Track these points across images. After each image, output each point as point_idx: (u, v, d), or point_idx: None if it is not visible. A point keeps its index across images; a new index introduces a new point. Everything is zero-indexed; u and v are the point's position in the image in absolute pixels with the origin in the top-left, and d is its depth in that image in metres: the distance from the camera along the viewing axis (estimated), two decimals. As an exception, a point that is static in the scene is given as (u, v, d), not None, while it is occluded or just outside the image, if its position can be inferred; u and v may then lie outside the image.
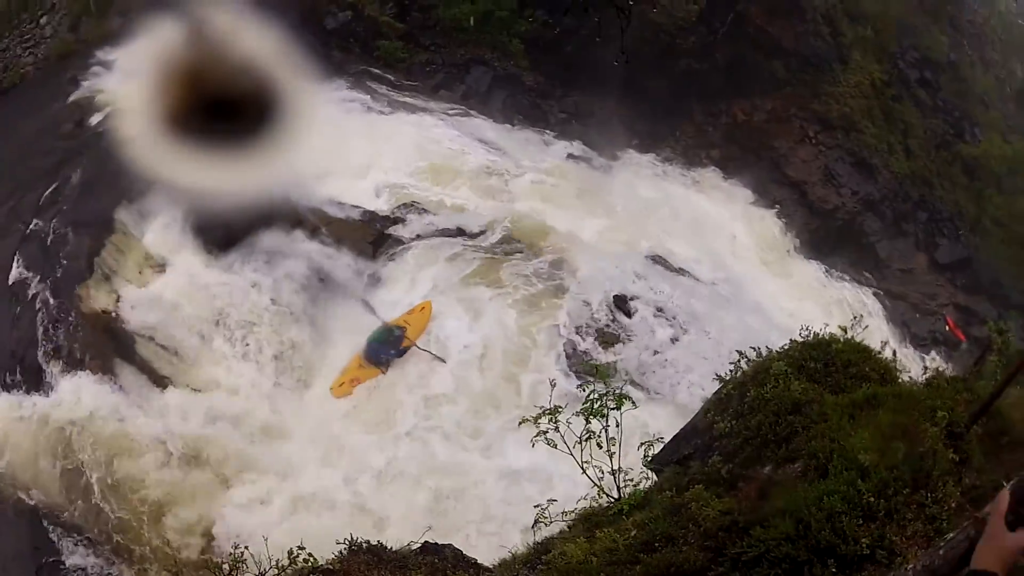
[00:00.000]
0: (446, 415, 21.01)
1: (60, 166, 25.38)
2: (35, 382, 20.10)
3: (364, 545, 8.61)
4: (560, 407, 9.90)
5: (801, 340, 10.24)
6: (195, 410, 20.21)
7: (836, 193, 34.85)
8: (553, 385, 13.49)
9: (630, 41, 30.53)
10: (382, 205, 25.82)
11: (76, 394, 19.56)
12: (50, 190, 24.39)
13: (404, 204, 25.98)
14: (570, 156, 31.45)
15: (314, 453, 20.36)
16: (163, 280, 22.55)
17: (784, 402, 8.91)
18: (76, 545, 17.95)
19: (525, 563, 9.22)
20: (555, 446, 9.64)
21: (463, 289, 23.91)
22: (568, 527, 9.64)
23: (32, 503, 18.39)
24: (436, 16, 33.17)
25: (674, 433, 11.03)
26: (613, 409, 9.74)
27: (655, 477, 10.13)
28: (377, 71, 31.86)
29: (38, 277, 21.99)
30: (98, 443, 18.88)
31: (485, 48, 33.18)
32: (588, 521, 9.40)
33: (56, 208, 23.77)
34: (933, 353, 31.47)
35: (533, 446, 9.83)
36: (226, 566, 8.96)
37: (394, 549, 8.84)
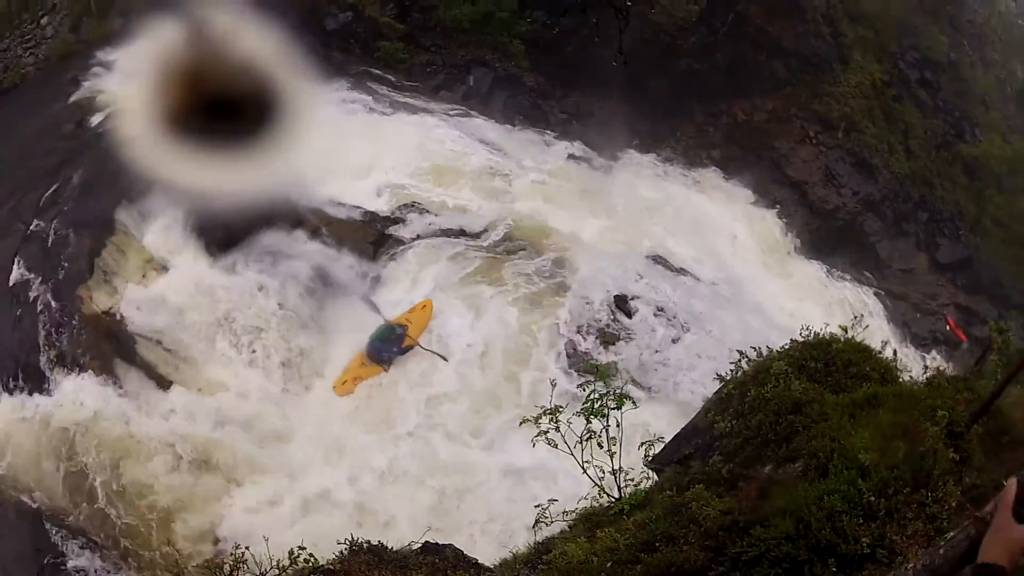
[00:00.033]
0: (448, 414, 21.03)
1: (61, 166, 25.37)
2: (37, 383, 20.08)
3: (365, 545, 8.62)
4: (561, 407, 9.91)
5: (801, 340, 10.25)
6: (198, 412, 20.18)
7: (837, 193, 34.84)
8: (554, 385, 13.50)
9: (630, 42, 30.59)
10: (383, 205, 25.82)
11: (78, 395, 19.56)
12: (51, 191, 24.36)
13: (405, 204, 25.99)
14: (571, 156, 31.46)
15: (318, 454, 20.36)
16: (164, 281, 22.51)
17: (784, 402, 8.91)
18: (81, 548, 17.90)
19: (526, 563, 9.23)
20: (556, 446, 9.66)
21: (464, 288, 23.95)
22: (569, 527, 9.64)
23: (34, 505, 18.35)
24: (437, 17, 33.15)
25: (675, 433, 11.04)
26: (614, 409, 9.75)
27: (656, 477, 10.14)
28: (378, 72, 31.84)
29: (39, 278, 21.97)
30: (103, 445, 18.85)
31: (486, 49, 33.16)
32: (589, 521, 9.41)
33: (57, 209, 23.76)
34: (934, 353, 31.47)
35: (534, 446, 9.85)
36: (227, 566, 8.96)
37: (395, 549, 8.84)
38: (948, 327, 33.29)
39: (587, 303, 23.66)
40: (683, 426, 11.19)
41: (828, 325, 10.59)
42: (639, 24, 32.22)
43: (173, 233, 23.19)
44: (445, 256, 24.81)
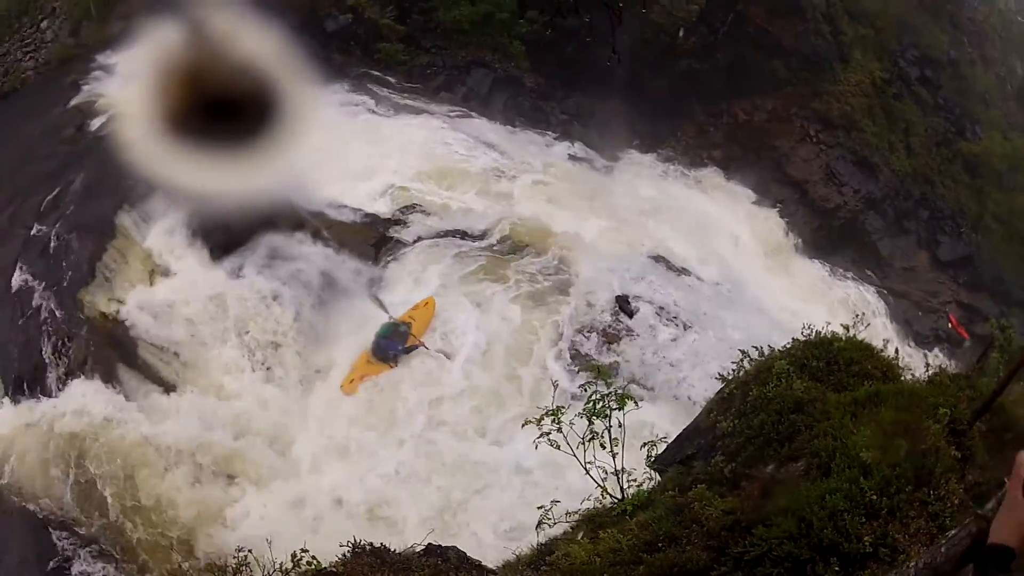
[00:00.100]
0: (453, 412, 20.99)
1: (61, 170, 25.38)
2: (41, 389, 20.00)
3: (367, 547, 8.61)
4: (563, 408, 9.91)
5: (803, 339, 10.26)
6: (202, 417, 20.09)
7: (838, 192, 34.83)
8: (555, 386, 13.51)
9: (630, 42, 30.73)
10: (384, 207, 25.82)
11: (83, 401, 19.37)
12: (52, 195, 24.36)
13: (406, 206, 25.99)
14: (572, 157, 31.48)
15: (324, 455, 20.30)
16: (167, 284, 22.47)
17: (787, 401, 8.92)
18: (92, 557, 17.79)
19: (529, 564, 9.23)
20: (558, 447, 9.66)
21: (466, 286, 23.95)
22: (572, 528, 9.65)
23: (40, 513, 18.25)
24: (436, 18, 33.15)
25: (677, 432, 11.04)
26: (616, 409, 9.75)
27: (658, 477, 10.14)
28: (378, 73, 31.86)
29: (42, 283, 21.96)
30: (113, 452, 18.69)
31: (486, 50, 33.16)
32: (592, 522, 9.41)
33: (58, 213, 23.77)
34: (936, 351, 31.47)
35: (536, 448, 9.85)
36: (230, 569, 8.96)
37: (397, 551, 8.84)
38: (950, 325, 33.28)
39: (589, 303, 23.65)
40: (685, 426, 11.20)
41: (829, 324, 10.60)
42: (639, 24, 32.26)
43: (174, 236, 23.17)
44: (447, 256, 24.81)
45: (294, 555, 8.43)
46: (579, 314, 23.35)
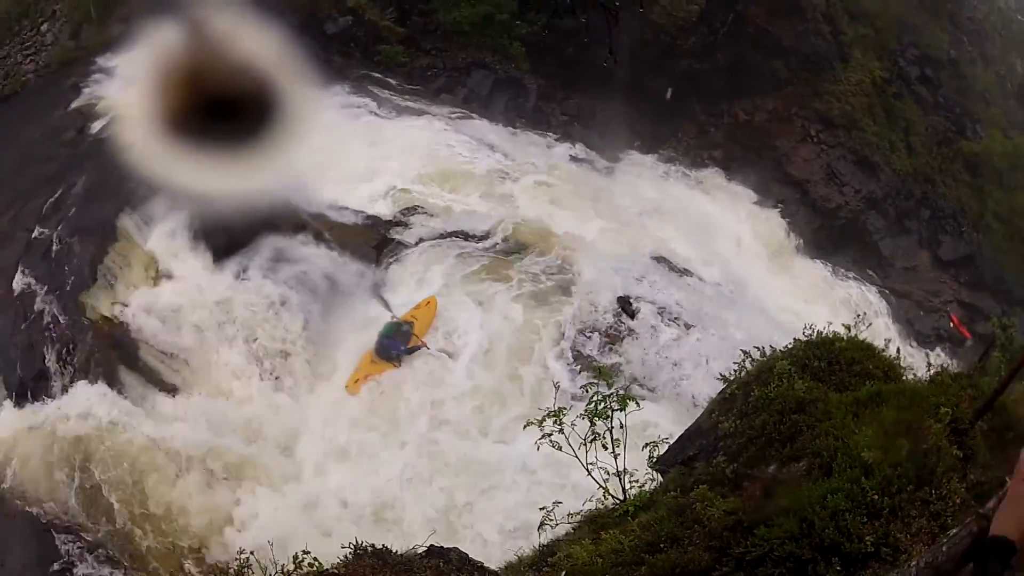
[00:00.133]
0: (456, 412, 21.01)
1: (62, 173, 25.39)
2: (44, 392, 19.96)
3: (369, 549, 8.60)
4: (564, 409, 9.90)
5: (805, 339, 10.26)
6: (205, 419, 20.08)
7: (838, 192, 34.85)
8: (557, 387, 13.50)
9: (631, 43, 30.73)
10: (385, 209, 25.81)
11: (87, 404, 19.32)
12: (53, 198, 24.38)
13: (407, 208, 25.99)
14: (573, 158, 31.48)
15: (329, 457, 20.32)
16: (170, 287, 22.45)
17: (788, 401, 8.92)
18: (98, 562, 17.74)
19: (531, 566, 9.23)
20: (560, 448, 9.65)
21: (469, 285, 23.99)
22: (574, 529, 9.65)
23: (42, 515, 18.19)
24: (436, 20, 33.14)
25: (679, 433, 11.05)
26: (617, 410, 9.75)
27: (660, 478, 10.14)
28: (378, 76, 31.84)
29: (44, 286, 21.95)
30: (117, 455, 18.64)
31: (486, 51, 33.15)
32: (594, 523, 9.41)
33: (59, 216, 23.78)
34: (938, 350, 31.48)
35: (538, 449, 9.85)
36: (232, 571, 8.96)
37: (399, 553, 8.83)
38: (952, 324, 33.29)
39: (591, 304, 23.67)
40: (687, 427, 11.20)
41: (831, 324, 10.60)
42: (639, 25, 32.27)
43: (176, 239, 23.17)
44: (449, 257, 24.83)
45: (295, 557, 8.42)
46: (581, 314, 23.37)
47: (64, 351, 20.71)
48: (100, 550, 17.75)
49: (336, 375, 22.15)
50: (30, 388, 20.16)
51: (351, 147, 26.94)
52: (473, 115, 31.39)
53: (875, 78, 37.00)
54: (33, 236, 23.41)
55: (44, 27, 33.78)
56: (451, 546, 9.46)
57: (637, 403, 9.98)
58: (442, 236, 25.39)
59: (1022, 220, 36.41)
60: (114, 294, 21.80)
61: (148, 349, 21.03)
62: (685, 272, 26.75)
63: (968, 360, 23.73)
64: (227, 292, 22.55)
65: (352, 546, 8.76)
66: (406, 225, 25.51)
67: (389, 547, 8.81)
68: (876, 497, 7.17)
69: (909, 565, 3.80)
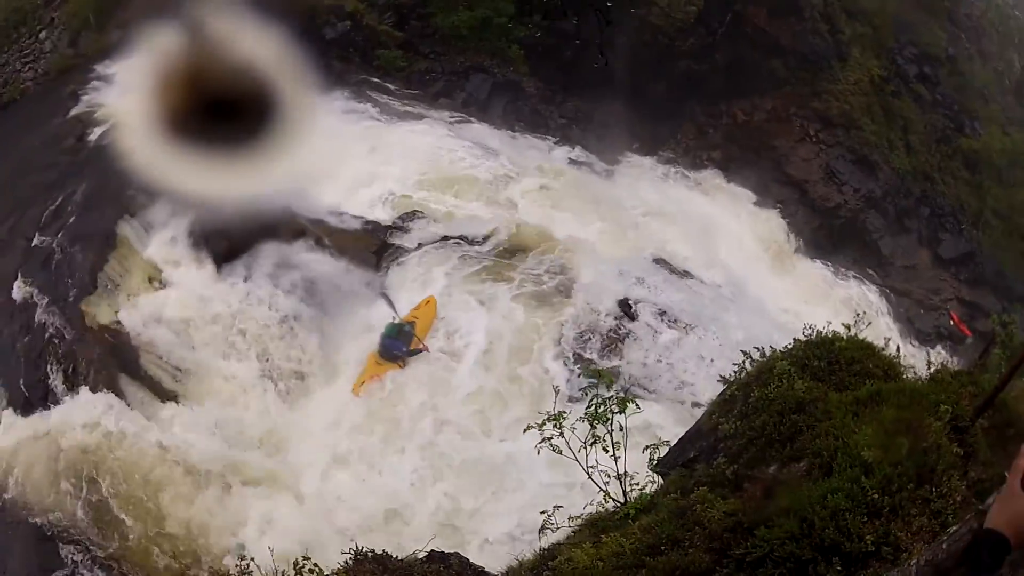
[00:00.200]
0: (459, 412, 21.03)
1: (62, 181, 25.40)
2: (45, 401, 19.94)
3: (369, 554, 8.61)
4: (564, 413, 9.90)
5: (804, 339, 10.26)
6: (207, 426, 20.06)
7: (838, 191, 34.81)
8: (557, 391, 13.49)
9: (628, 44, 30.76)
10: (384, 214, 25.77)
11: (92, 413, 19.23)
12: (53, 206, 24.38)
13: (407, 213, 25.96)
14: (572, 161, 31.46)
15: (330, 461, 20.31)
16: (169, 294, 22.41)
17: (788, 401, 8.92)
18: (103, 573, 17.72)
19: (532, 569, 9.23)
20: (560, 452, 9.66)
21: (469, 285, 24.00)
22: (574, 532, 9.65)
23: (46, 525, 18.08)
24: (435, 24, 33.15)
25: (680, 435, 11.04)
26: (617, 413, 9.75)
27: (661, 480, 10.14)
28: (377, 80, 31.85)
29: (44, 294, 21.93)
30: (124, 465, 18.63)
31: (484, 55, 33.15)
32: (595, 526, 9.41)
33: (59, 223, 23.78)
34: (938, 348, 31.42)
35: (538, 453, 9.85)
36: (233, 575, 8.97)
37: (400, 558, 8.83)
38: (952, 322, 33.25)
39: (590, 306, 23.66)
40: (688, 429, 11.20)
41: (831, 323, 10.60)
42: (637, 26, 32.28)
43: (176, 246, 23.16)
44: (451, 259, 24.84)
45: (296, 562, 8.43)
46: (581, 316, 23.36)
47: (66, 359, 20.67)
48: (103, 559, 17.71)
49: (339, 379, 22.16)
50: (33, 396, 20.15)
51: (351, 152, 26.93)
52: (472, 119, 31.39)
53: (873, 77, 36.96)
54: (33, 244, 23.41)
55: (42, 35, 33.81)
56: (452, 551, 9.48)
57: (637, 405, 9.98)
58: (441, 240, 25.38)
59: (1021, 217, 36.40)
60: (115, 302, 21.76)
61: (149, 356, 20.97)
62: (685, 273, 26.71)
63: (968, 357, 23.75)
64: (227, 299, 22.52)
65: (352, 551, 8.77)
66: (405, 230, 25.48)
67: (389, 552, 8.82)
68: (876, 496, 7.17)
69: (910, 563, 3.79)
